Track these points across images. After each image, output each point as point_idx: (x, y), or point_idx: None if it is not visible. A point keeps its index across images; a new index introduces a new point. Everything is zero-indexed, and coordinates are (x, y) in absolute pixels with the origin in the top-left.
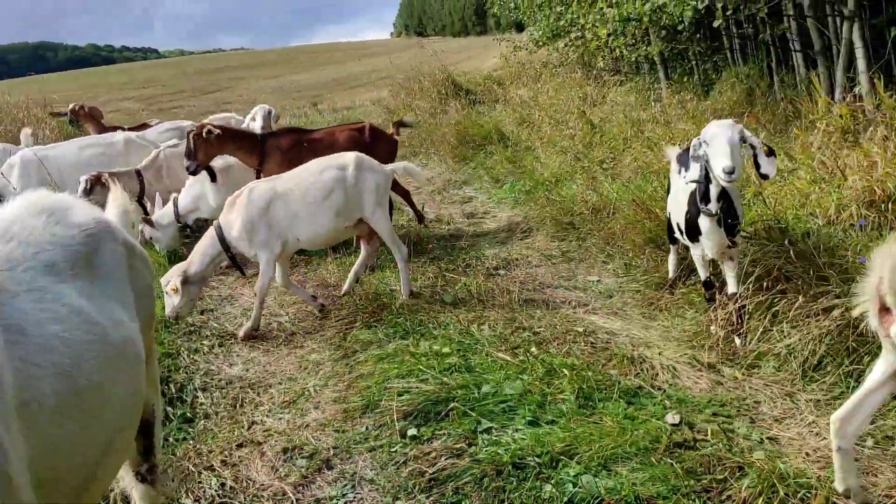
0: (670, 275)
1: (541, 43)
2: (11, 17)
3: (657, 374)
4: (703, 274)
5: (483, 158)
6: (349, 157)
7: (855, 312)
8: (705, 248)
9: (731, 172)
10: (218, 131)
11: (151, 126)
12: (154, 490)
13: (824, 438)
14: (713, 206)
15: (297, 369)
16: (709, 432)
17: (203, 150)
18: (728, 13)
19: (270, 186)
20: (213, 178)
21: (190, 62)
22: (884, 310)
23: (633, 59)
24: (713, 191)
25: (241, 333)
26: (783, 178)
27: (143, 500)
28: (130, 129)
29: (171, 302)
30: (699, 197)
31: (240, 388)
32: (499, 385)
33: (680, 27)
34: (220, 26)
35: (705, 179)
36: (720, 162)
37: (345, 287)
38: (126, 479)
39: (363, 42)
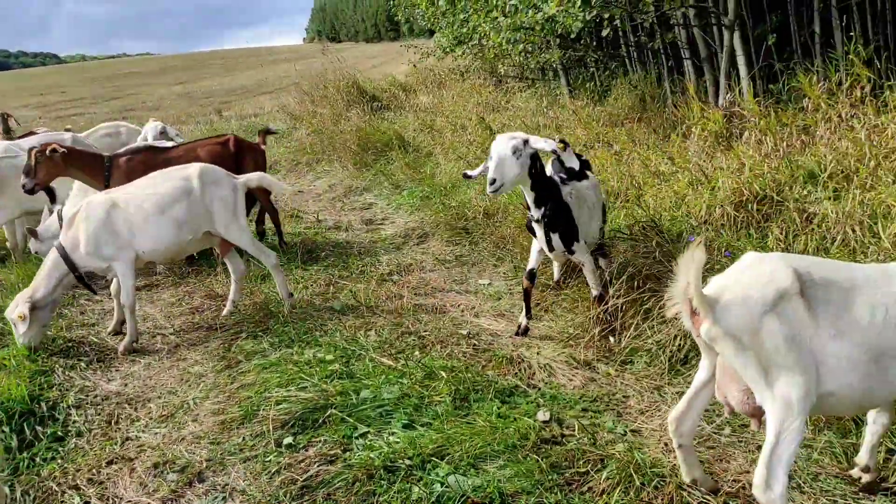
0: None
1: (447, 49)
2: None
3: (534, 374)
4: (531, 262)
5: (384, 165)
6: (193, 170)
7: (669, 314)
8: (545, 249)
9: (491, 183)
10: (63, 150)
11: (37, 134)
12: None
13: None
14: (534, 212)
15: (178, 382)
16: (576, 428)
17: (45, 169)
18: (615, 23)
19: (108, 198)
20: (52, 199)
21: (91, 68)
22: (694, 312)
23: (536, 65)
24: (528, 199)
25: (120, 348)
26: (663, 181)
27: None
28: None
29: (19, 330)
30: (526, 204)
31: (116, 404)
32: (377, 390)
33: (573, 37)
34: (124, 30)
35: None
36: (489, 175)
37: (224, 311)
38: None
39: (274, 47)
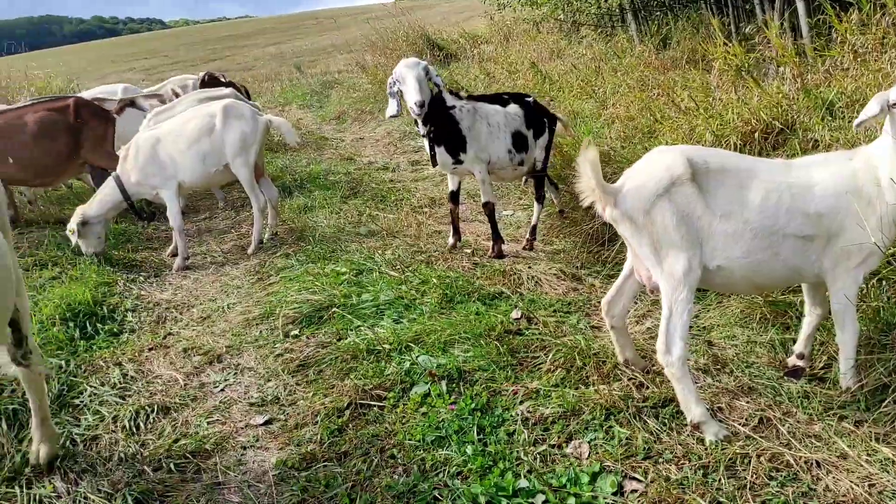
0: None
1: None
2: None
3: (522, 283)
4: (450, 185)
5: None
6: (218, 106)
7: (584, 205)
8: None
9: (420, 106)
10: None
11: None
12: (30, 372)
13: (641, 324)
14: (421, 129)
15: (218, 292)
16: (540, 323)
17: None
18: None
19: (154, 134)
20: None
21: (193, 32)
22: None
23: (605, 10)
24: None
25: (174, 267)
26: (684, 115)
27: (24, 379)
28: None
29: (72, 241)
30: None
31: (165, 309)
32: (377, 294)
33: None
34: None
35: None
36: (411, 97)
37: (265, 235)
38: (7, 364)
39: (368, 6)
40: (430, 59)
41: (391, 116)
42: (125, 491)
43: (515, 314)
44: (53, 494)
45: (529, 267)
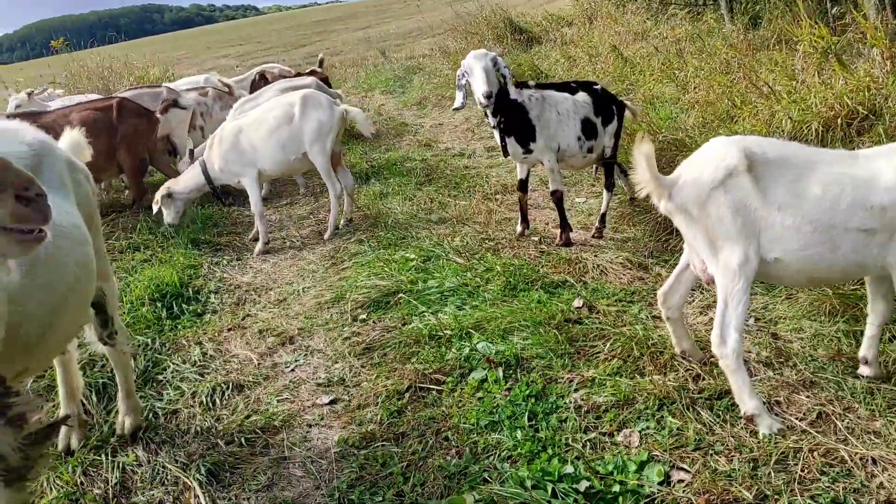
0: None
1: None
2: None
3: (587, 272)
4: (518, 174)
5: None
6: (297, 96)
7: (640, 196)
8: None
9: (488, 97)
10: None
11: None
12: (115, 350)
13: (705, 314)
14: (491, 120)
15: (294, 276)
16: (601, 313)
17: None
18: None
19: (237, 124)
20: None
21: (285, 17)
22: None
23: None
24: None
25: (255, 251)
26: (767, 100)
27: (111, 357)
28: None
29: (156, 208)
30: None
31: (244, 291)
32: (442, 280)
33: None
34: None
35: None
36: (479, 88)
37: (341, 221)
38: (95, 343)
39: None
40: (510, 42)
41: (456, 109)
42: (199, 462)
43: (577, 303)
44: (135, 463)
45: (595, 255)
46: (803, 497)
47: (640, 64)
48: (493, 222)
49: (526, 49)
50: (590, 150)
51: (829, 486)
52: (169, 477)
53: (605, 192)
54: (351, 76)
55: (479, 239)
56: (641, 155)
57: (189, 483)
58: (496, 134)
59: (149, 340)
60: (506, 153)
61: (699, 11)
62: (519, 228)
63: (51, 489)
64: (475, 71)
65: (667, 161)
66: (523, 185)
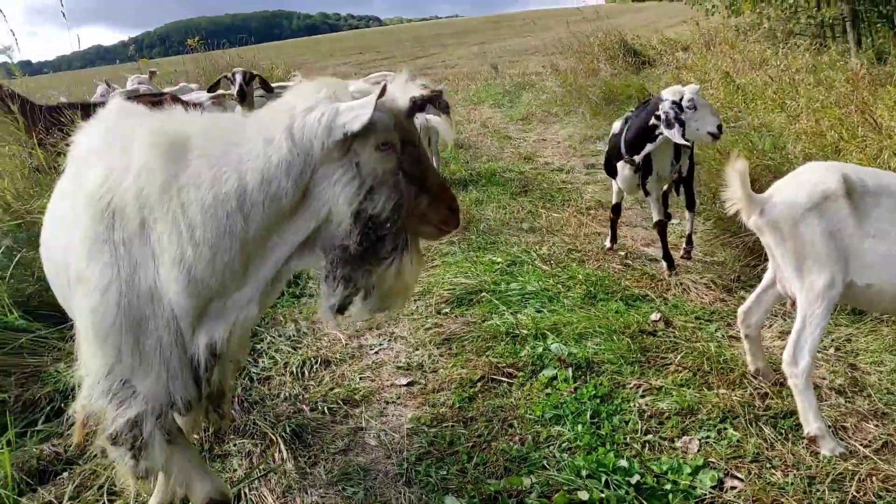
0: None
1: (733, 8)
2: None
3: (669, 289)
4: (614, 198)
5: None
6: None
7: (730, 212)
8: (621, 185)
9: (720, 128)
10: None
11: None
12: None
13: (783, 339)
14: (638, 157)
15: None
16: (677, 328)
17: None
18: None
19: None
20: None
21: (405, 30)
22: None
23: (815, 21)
24: (649, 147)
25: None
26: (877, 132)
27: None
28: None
29: None
30: (625, 148)
31: None
32: (525, 284)
33: None
34: None
35: (642, 134)
36: (712, 122)
37: None
38: None
39: (577, 8)
40: (622, 64)
41: (683, 145)
42: (286, 423)
43: (654, 316)
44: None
45: (677, 274)
46: None
47: (752, 92)
48: (581, 235)
49: (637, 71)
50: (678, 172)
51: None
52: (258, 432)
53: (686, 212)
54: (462, 88)
55: (565, 249)
56: (735, 172)
57: (275, 439)
58: (631, 173)
59: None
60: (647, 192)
61: (824, 43)
62: (607, 244)
63: None
64: (702, 103)
65: (761, 186)
66: (617, 209)
